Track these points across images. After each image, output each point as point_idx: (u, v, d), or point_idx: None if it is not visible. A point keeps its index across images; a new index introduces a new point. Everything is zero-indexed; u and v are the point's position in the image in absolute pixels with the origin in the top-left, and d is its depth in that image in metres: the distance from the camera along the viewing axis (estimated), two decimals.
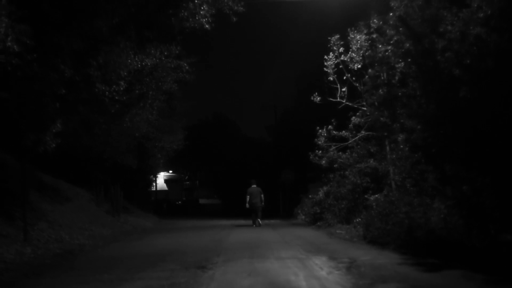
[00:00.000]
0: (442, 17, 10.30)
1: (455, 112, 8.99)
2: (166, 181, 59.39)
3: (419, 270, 6.87)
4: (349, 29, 14.56)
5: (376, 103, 11.46)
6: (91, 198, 19.04)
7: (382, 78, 11.07)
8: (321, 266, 7.53)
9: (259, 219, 19.48)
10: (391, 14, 11.68)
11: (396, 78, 10.61)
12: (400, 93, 10.20)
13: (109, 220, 18.14)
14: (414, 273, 6.70)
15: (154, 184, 37.43)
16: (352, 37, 14.58)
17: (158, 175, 44.35)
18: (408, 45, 10.70)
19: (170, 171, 56.75)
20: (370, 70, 11.85)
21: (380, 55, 11.29)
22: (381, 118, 11.22)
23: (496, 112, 8.57)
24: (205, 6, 10.97)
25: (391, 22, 11.06)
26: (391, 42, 11.34)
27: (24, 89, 9.18)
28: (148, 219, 23.44)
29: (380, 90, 10.92)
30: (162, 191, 52.04)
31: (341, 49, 15.00)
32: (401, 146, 11.50)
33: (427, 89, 9.90)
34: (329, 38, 15.32)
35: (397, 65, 10.92)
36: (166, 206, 41.93)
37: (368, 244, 10.80)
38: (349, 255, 8.68)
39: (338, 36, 15.15)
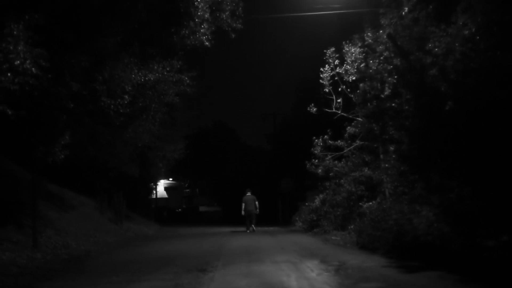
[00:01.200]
0: (429, 34, 11.08)
1: (439, 125, 9.72)
2: (166, 188, 60.07)
3: (401, 272, 7.61)
4: (344, 42, 15.10)
5: (367, 116, 12.18)
6: (95, 206, 19.77)
7: (372, 92, 11.78)
8: (312, 269, 8.25)
9: (253, 225, 20.54)
10: (381, 31, 12.47)
11: (385, 93, 11.30)
12: (388, 106, 10.91)
13: (112, 227, 18.85)
14: (395, 274, 7.44)
15: (154, 191, 38.11)
16: (347, 50, 15.10)
17: (159, 183, 45.04)
18: (396, 61, 11.48)
19: (170, 179, 57.41)
20: (361, 85, 12.56)
21: (370, 70, 12.04)
22: (373, 130, 11.94)
23: (476, 125, 9.29)
24: (205, 25, 11.73)
25: (380, 40, 11.84)
26: (381, 58, 12.12)
27: (36, 104, 9.89)
28: (149, 227, 24.14)
29: (369, 104, 11.63)
30: (162, 199, 52.70)
31: (337, 62, 15.62)
32: (393, 156, 12.19)
33: (413, 103, 10.66)
34: (325, 50, 15.95)
35: (388, 80, 11.66)
36: (167, 214, 42.56)
37: (359, 249, 11.48)
38: (339, 259, 9.39)
39: (334, 49, 15.78)
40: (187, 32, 11.72)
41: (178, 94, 14.90)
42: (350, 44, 14.96)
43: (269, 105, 73.16)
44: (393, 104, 10.92)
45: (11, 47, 7.09)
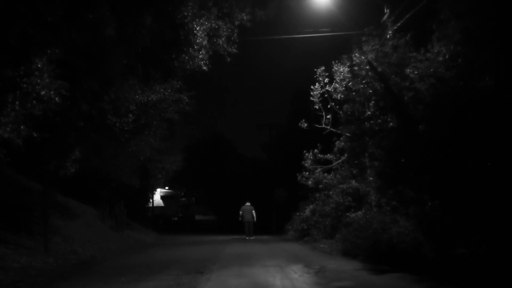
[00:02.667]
0: (407, 59, 12.50)
1: (411, 146, 11.09)
2: (162, 197, 60.96)
3: (370, 274, 8.98)
4: (333, 62, 16.43)
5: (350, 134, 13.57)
6: (97, 215, 21.08)
7: (356, 114, 13.17)
8: (296, 271, 9.61)
9: (251, 232, 22.95)
10: (363, 57, 13.88)
11: (366, 114, 12.68)
12: (368, 127, 12.29)
13: (113, 235, 20.15)
14: (365, 275, 8.80)
15: (151, 200, 39.29)
16: (336, 69, 16.40)
17: (155, 192, 46.24)
18: (376, 85, 12.88)
19: (167, 188, 58.45)
20: (345, 106, 13.94)
21: (354, 93, 13.45)
22: (355, 147, 13.33)
23: (445, 145, 10.64)
24: (203, 51, 13.12)
25: (362, 66, 13.25)
26: (364, 81, 13.52)
27: (52, 125, 11.25)
28: (148, 235, 25.46)
29: (352, 126, 13.02)
30: (158, 207, 53.65)
31: (326, 80, 16.84)
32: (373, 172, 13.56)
33: (390, 125, 12.05)
34: (315, 69, 17.21)
35: (367, 102, 13.07)
36: (163, 222, 43.57)
37: (342, 256, 12.81)
38: (321, 264, 10.75)
39: (324, 68, 17.01)
40: (186, 57, 13.12)
41: (177, 112, 16.26)
42: (339, 64, 16.17)
43: (265, 116, 74.77)
44: (372, 125, 12.30)
45: (38, 80, 8.45)
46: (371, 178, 14.89)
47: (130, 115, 13.70)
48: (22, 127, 8.45)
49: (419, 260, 9.96)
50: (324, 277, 8.70)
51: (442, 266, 9.19)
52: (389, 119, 12.13)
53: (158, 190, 54.20)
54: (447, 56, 11.32)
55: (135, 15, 12.76)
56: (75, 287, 9.13)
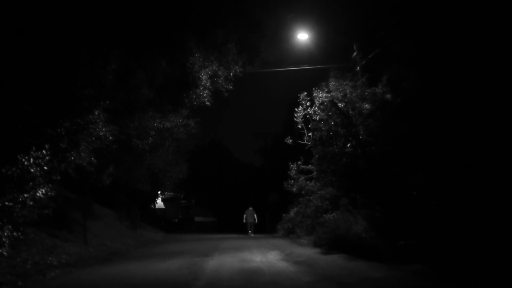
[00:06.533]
0: (364, 95, 17.11)
1: (359, 164, 15.77)
2: (163, 200, 65.43)
3: (320, 255, 13.76)
4: (313, 88, 20.97)
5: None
6: (115, 217, 25.83)
7: (323, 138, 17.79)
8: (272, 254, 14.41)
9: (252, 231, 29.76)
10: (329, 94, 18.55)
11: (328, 141, 17.33)
12: (331, 149, 16.91)
13: (130, 233, 24.90)
14: (315, 255, 13.57)
15: (155, 203, 43.87)
16: (315, 95, 20.96)
17: (161, 196, 50.53)
18: (337, 117, 17.53)
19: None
20: (314, 132, 18.59)
21: (321, 124, 18.06)
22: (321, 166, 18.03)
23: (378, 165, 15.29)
24: (206, 91, 17.85)
25: (326, 104, 17.92)
26: (329, 113, 18.15)
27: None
28: (157, 233, 30.36)
29: (319, 147, 17.63)
30: (160, 209, 58.07)
31: (308, 103, 21.45)
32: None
33: (346, 148, 16.74)
34: (298, 94, 21.79)
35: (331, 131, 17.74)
36: (164, 224, 47.93)
37: (313, 247, 17.43)
38: (291, 250, 15.54)
39: (306, 93, 21.50)
40: (194, 96, 17.85)
41: (185, 133, 21.07)
42: (318, 90, 20.55)
43: (261, 123, 79.56)
44: (334, 148, 16.94)
45: (97, 128, 13.15)
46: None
47: (150, 138, 18.45)
48: (92, 158, 13.24)
49: (373, 250, 13.97)
50: (289, 256, 13.51)
51: (388, 253, 13.40)
52: (348, 145, 16.75)
53: (159, 192, 58.65)
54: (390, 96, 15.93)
55: (153, 61, 17.48)
56: (119, 265, 13.75)
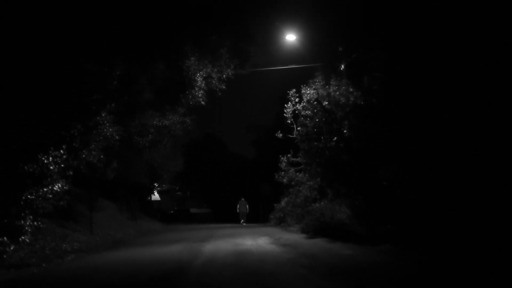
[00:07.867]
0: (347, 93, 18.85)
1: (342, 158, 17.57)
2: (159, 192, 67.01)
3: (305, 239, 15.64)
4: (302, 85, 22.63)
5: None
6: (116, 208, 27.67)
7: (308, 134, 19.57)
8: (262, 239, 16.25)
9: (244, 221, 32.46)
10: (315, 91, 20.30)
11: (313, 136, 19.11)
12: (314, 145, 18.68)
13: (130, 224, 26.74)
14: (301, 240, 15.45)
15: (151, 195, 45.59)
16: (303, 92, 22.60)
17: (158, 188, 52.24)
18: (321, 114, 19.31)
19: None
20: (300, 128, 20.37)
21: (308, 119, 19.85)
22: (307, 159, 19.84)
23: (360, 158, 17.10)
24: (202, 91, 19.60)
25: (312, 101, 19.70)
26: (315, 110, 19.92)
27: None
28: (155, 224, 32.28)
29: (305, 143, 19.42)
30: (155, 201, 59.69)
31: (297, 99, 23.08)
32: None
33: (331, 143, 18.53)
34: (288, 91, 23.52)
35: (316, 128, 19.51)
36: (160, 215, 49.53)
37: (300, 233, 19.26)
38: (280, 236, 17.42)
39: (295, 90, 23.12)
40: (190, 96, 19.58)
41: (182, 130, 22.88)
42: (306, 87, 22.15)
43: (255, 116, 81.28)
44: (318, 143, 18.72)
45: (105, 129, 14.94)
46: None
47: (150, 135, 20.24)
48: (102, 156, 15.07)
49: (352, 235, 15.56)
50: (277, 240, 15.39)
51: (366, 237, 15.23)
52: (332, 140, 18.50)
53: (156, 185, 60.26)
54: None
55: (153, 64, 19.16)
56: (125, 251, 15.56)
